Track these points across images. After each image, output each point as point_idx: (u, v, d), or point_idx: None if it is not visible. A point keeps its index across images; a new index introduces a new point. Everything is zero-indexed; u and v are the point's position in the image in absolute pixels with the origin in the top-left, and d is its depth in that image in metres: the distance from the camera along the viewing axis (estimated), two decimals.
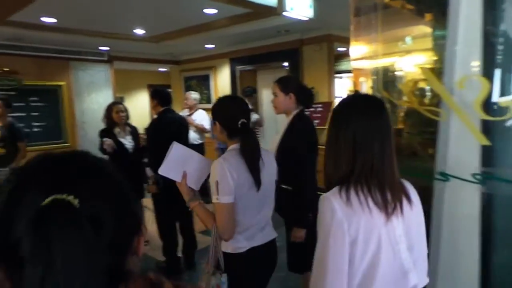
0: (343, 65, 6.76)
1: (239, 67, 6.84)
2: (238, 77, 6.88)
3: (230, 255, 1.56)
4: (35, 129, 5.98)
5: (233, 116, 1.55)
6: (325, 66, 5.68)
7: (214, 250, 1.54)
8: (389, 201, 1.02)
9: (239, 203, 1.52)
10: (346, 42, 3.46)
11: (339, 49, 5.95)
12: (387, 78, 2.10)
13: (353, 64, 2.35)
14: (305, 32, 5.67)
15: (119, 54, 6.96)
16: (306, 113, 2.32)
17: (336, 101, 5.82)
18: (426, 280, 1.12)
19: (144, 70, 8.93)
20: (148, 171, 3.23)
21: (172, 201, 2.94)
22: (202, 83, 7.62)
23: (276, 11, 4.06)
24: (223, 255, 1.55)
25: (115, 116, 3.53)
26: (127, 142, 3.60)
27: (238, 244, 1.56)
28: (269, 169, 1.63)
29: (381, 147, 1.05)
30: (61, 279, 0.43)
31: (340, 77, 6.83)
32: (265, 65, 6.52)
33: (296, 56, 5.94)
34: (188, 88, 7.80)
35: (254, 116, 4.74)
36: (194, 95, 5.49)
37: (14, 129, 4.03)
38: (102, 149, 3.37)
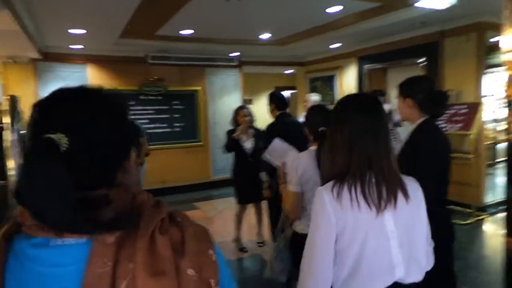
0: (498, 58, 5.61)
1: (367, 66, 6.38)
2: (365, 76, 6.44)
3: (295, 233, 1.87)
4: (176, 129, 6.78)
5: (317, 124, 1.85)
6: (472, 60, 4.80)
7: (281, 222, 2.04)
8: (384, 196, 1.06)
9: (305, 195, 1.81)
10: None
11: (491, 40, 4.95)
12: None
13: (506, 57, 1.85)
14: (447, 22, 4.90)
15: (247, 59, 7.32)
16: (439, 122, 1.92)
17: (485, 101, 4.88)
18: (419, 276, 1.12)
19: (270, 73, 9.20)
20: (263, 176, 3.25)
21: None
22: (327, 84, 7.41)
23: (408, 2, 3.59)
24: (293, 233, 1.90)
25: (240, 120, 3.71)
26: (249, 143, 3.73)
27: (301, 226, 1.85)
28: None
29: (377, 144, 1.10)
30: (38, 203, 0.55)
31: (492, 72, 5.69)
32: (396, 62, 5.92)
33: (434, 50, 5.20)
34: (313, 90, 7.69)
35: (396, 117, 4.33)
36: (313, 97, 5.35)
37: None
38: (227, 147, 3.74)
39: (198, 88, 6.98)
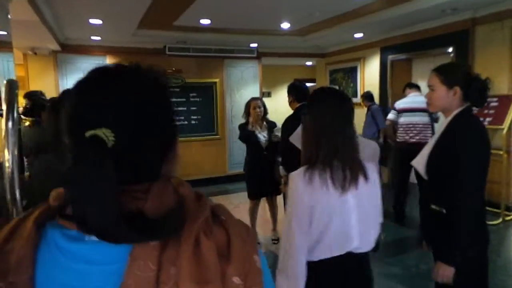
0: None
1: (391, 57, 6.12)
2: (389, 67, 6.17)
3: None
4: (193, 122, 6.73)
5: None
6: (506, 50, 4.49)
7: None
8: (348, 179, 1.24)
9: None
10: None
11: None
12: None
13: None
14: (480, 8, 4.61)
15: (266, 50, 7.16)
16: (474, 111, 1.72)
17: None
18: (369, 247, 1.32)
19: (290, 64, 9.03)
20: (281, 170, 3.12)
21: None
22: (348, 75, 7.18)
23: None
24: None
25: (252, 112, 3.58)
26: (262, 136, 3.60)
27: None
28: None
29: (343, 133, 1.26)
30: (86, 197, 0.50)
31: None
32: (422, 52, 5.64)
33: (464, 39, 4.91)
34: (333, 82, 7.48)
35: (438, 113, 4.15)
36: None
37: None
38: (242, 139, 3.65)
39: (216, 80, 6.89)
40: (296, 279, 1.26)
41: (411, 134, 4.24)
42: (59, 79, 5.81)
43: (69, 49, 5.80)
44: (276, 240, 3.84)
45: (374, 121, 6.06)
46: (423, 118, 4.20)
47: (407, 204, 4.49)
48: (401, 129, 4.32)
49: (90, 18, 4.43)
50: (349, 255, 1.29)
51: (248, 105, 3.67)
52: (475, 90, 1.61)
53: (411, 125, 4.22)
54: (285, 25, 5.51)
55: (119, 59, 6.17)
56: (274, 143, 3.46)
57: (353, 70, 7.01)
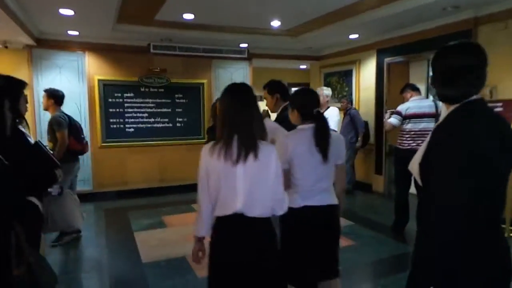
0: None
1: (387, 59, 5.79)
2: (385, 70, 5.84)
3: (288, 208, 1.79)
4: (178, 124, 6.35)
5: (311, 106, 2.03)
6: (511, 51, 4.17)
7: None
8: (240, 155, 1.57)
9: (299, 168, 1.97)
10: None
11: None
12: None
13: None
14: (482, 7, 4.29)
15: (257, 51, 6.83)
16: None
17: None
18: (262, 213, 1.63)
19: (283, 68, 8.69)
20: None
21: None
22: (343, 79, 6.85)
23: None
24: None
25: None
26: None
27: (294, 201, 1.93)
28: (333, 148, 1.99)
29: (239, 119, 1.60)
30: None
31: None
32: (421, 55, 5.31)
33: (465, 39, 4.58)
34: (327, 86, 7.13)
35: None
36: (326, 91, 4.82)
37: (52, 120, 3.84)
38: None
39: (204, 81, 6.53)
40: (201, 222, 1.70)
41: (418, 141, 3.85)
42: (33, 75, 5.43)
43: (45, 44, 5.44)
44: None
45: (353, 125, 5.81)
46: (430, 124, 3.83)
47: (409, 217, 4.10)
48: (407, 136, 3.92)
49: (60, 8, 4.07)
50: (239, 216, 1.60)
51: (214, 107, 3.27)
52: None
53: (419, 132, 3.84)
54: (276, 23, 5.17)
55: (99, 56, 5.81)
56: None
57: (348, 74, 6.68)
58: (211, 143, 1.63)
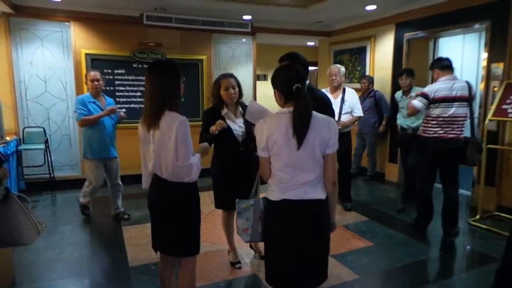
0: None
1: (408, 34, 5.18)
2: (405, 47, 5.24)
3: (267, 200, 1.80)
4: None
5: (288, 81, 1.67)
6: None
7: (256, 185, 1.94)
8: (152, 124, 1.84)
9: (276, 157, 1.72)
10: None
11: None
12: None
13: None
14: None
15: (263, 25, 6.20)
16: None
17: None
18: (165, 176, 1.89)
19: (289, 45, 8.06)
20: None
21: None
22: (355, 57, 6.24)
23: None
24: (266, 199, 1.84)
25: (223, 93, 2.66)
26: (237, 127, 2.70)
27: (272, 193, 1.76)
28: (316, 134, 1.67)
29: (151, 91, 1.85)
30: None
31: None
32: (447, 29, 4.70)
33: (503, 11, 3.98)
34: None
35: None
36: (342, 68, 4.24)
37: None
38: (205, 136, 2.61)
39: (203, 57, 5.94)
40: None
41: (447, 129, 3.32)
42: (11, 47, 4.85)
43: (24, 12, 4.83)
44: (262, 257, 3.00)
45: (377, 109, 5.41)
46: (462, 110, 3.28)
47: (433, 214, 3.63)
48: (434, 122, 3.35)
49: None
50: (155, 175, 1.95)
51: (217, 83, 2.73)
52: None
53: (449, 119, 3.28)
54: None
55: (86, 27, 5.21)
56: (251, 135, 2.53)
57: (362, 51, 6.07)
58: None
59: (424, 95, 3.36)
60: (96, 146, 3.77)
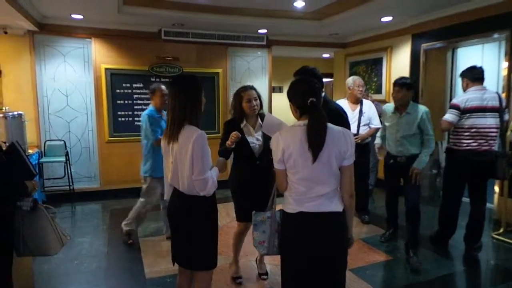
0: None
1: (425, 45, 5.13)
2: (422, 58, 5.19)
3: (283, 212, 1.78)
4: None
5: (303, 95, 1.69)
6: None
7: (272, 197, 2.01)
8: (171, 137, 1.89)
9: (292, 170, 1.70)
10: None
11: None
12: None
13: None
14: None
15: (277, 38, 6.26)
16: None
17: None
18: (182, 189, 1.91)
19: (304, 57, 8.10)
20: None
21: None
22: (372, 68, 6.21)
23: None
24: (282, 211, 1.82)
25: (245, 106, 2.67)
26: (255, 140, 2.70)
27: (289, 205, 1.74)
28: (332, 147, 1.66)
29: (173, 104, 1.89)
30: None
31: None
32: (466, 39, 4.64)
33: None
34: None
35: (505, 116, 3.28)
36: (360, 80, 4.22)
37: None
38: (223, 151, 2.60)
39: (219, 70, 6.02)
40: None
41: (480, 141, 3.20)
42: (36, 63, 5.04)
43: (48, 29, 5.02)
44: (265, 275, 2.97)
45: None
46: (493, 120, 3.17)
47: (456, 228, 3.52)
48: (467, 134, 3.23)
49: None
50: (177, 191, 1.97)
51: (238, 96, 2.74)
52: None
53: (482, 130, 3.18)
54: (299, 4, 4.59)
55: (106, 43, 5.37)
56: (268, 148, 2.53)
57: (378, 62, 6.04)
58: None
59: (455, 106, 3.25)
60: (161, 164, 3.68)
